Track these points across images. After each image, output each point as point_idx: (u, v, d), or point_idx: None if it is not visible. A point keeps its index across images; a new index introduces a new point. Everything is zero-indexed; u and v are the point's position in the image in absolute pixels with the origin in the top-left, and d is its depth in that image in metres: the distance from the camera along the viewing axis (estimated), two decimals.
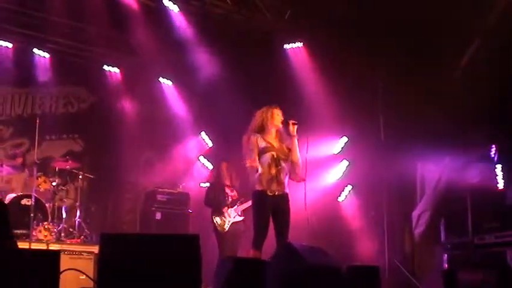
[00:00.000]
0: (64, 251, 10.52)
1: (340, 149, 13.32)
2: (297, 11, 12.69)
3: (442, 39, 10.96)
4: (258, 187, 8.79)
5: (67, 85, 15.10)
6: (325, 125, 11.33)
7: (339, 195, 13.30)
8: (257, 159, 8.77)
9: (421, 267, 11.98)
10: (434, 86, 11.31)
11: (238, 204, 11.72)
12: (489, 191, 10.56)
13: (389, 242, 12.11)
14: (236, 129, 8.92)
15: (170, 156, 15.13)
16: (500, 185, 10.54)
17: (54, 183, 12.67)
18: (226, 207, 11.65)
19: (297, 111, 9.14)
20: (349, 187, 13.24)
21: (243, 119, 9.08)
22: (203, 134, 15.51)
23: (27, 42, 13.70)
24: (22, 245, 10.55)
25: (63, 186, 13.21)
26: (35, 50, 13.87)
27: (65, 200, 13.16)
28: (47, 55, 13.99)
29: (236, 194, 11.89)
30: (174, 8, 12.66)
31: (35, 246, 10.90)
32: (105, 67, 14.83)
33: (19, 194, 12.04)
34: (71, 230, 12.69)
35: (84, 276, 8.72)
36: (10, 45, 13.50)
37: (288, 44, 13.29)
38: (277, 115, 8.92)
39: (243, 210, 11.75)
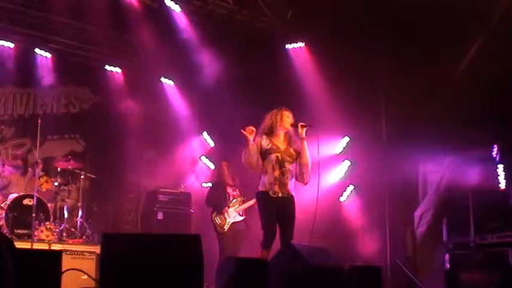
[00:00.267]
0: (66, 251, 10.53)
1: (342, 149, 13.33)
2: (299, 11, 12.68)
3: (443, 39, 10.95)
4: (260, 188, 8.79)
5: (69, 85, 15.08)
6: (327, 125, 11.31)
7: (341, 196, 13.30)
8: (254, 156, 8.78)
9: (423, 267, 11.99)
10: (437, 86, 11.31)
11: (239, 204, 11.73)
12: (491, 191, 10.56)
13: (391, 242, 12.13)
14: (238, 129, 8.88)
15: (172, 156, 15.13)
16: (502, 185, 10.55)
17: (56, 183, 12.67)
18: (226, 207, 11.65)
19: (298, 111, 9.11)
20: (351, 187, 13.25)
21: (244, 118, 9.09)
22: (205, 133, 15.51)
23: (29, 42, 13.68)
24: (24, 245, 10.57)
25: (65, 186, 13.20)
26: (37, 50, 13.85)
27: (67, 200, 13.16)
28: (48, 55, 13.97)
29: (238, 193, 11.89)
30: (176, 8, 12.66)
31: (36, 246, 10.88)
32: (107, 67, 14.81)
33: (21, 194, 12.01)
34: (72, 230, 12.68)
35: (85, 276, 8.74)
36: (12, 45, 13.48)
37: (290, 44, 13.28)
38: (287, 117, 8.88)
39: (244, 209, 11.75)
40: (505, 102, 10.37)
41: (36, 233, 11.48)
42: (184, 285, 5.76)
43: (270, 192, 8.65)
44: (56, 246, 11.21)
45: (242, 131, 8.78)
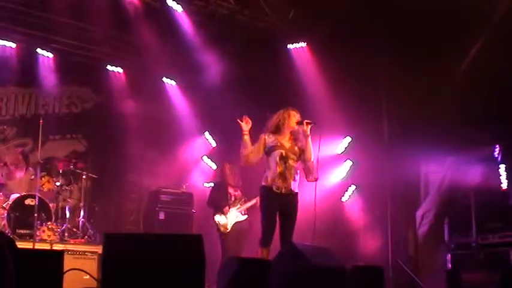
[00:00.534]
0: (68, 251, 10.55)
1: (344, 149, 13.32)
2: (301, 11, 12.68)
3: (445, 39, 10.95)
4: (264, 183, 8.87)
5: (71, 85, 15.10)
6: (329, 125, 11.30)
7: (343, 195, 13.30)
8: (253, 151, 8.86)
9: (425, 267, 11.99)
10: (438, 86, 11.31)
11: (241, 203, 11.73)
12: (493, 191, 10.57)
13: (393, 241, 12.11)
14: (239, 128, 8.93)
15: (174, 156, 15.14)
16: (504, 185, 10.55)
17: (57, 183, 12.69)
18: (228, 208, 11.66)
19: (300, 111, 9.13)
20: (353, 187, 13.25)
21: (244, 118, 9.08)
22: (207, 133, 15.52)
23: (30, 42, 13.68)
24: (26, 245, 10.58)
25: (67, 186, 13.20)
26: (39, 50, 13.86)
27: (69, 200, 13.16)
28: (50, 55, 13.98)
29: (240, 194, 11.90)
30: (177, 8, 12.65)
31: (38, 246, 10.90)
32: (109, 67, 14.81)
33: (23, 194, 12.02)
34: (74, 230, 12.69)
35: (87, 276, 8.76)
36: (14, 45, 13.48)
37: (292, 44, 13.27)
38: (294, 116, 8.99)
39: (247, 209, 11.76)
40: (507, 102, 10.37)
41: (38, 233, 11.49)
42: (186, 285, 5.77)
43: (274, 188, 8.73)
44: (57, 246, 11.23)
45: (238, 120, 8.91)
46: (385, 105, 12.45)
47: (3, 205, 11.74)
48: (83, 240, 12.39)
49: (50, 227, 11.88)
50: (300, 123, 8.91)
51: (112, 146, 14.87)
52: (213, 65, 13.14)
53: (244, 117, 8.94)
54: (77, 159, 13.47)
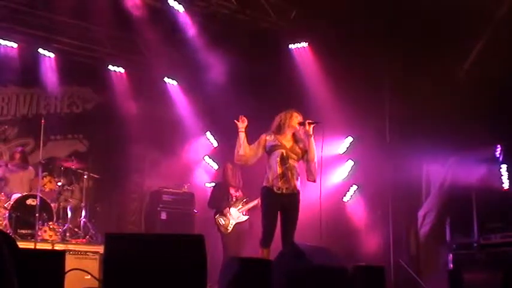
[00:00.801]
0: (69, 251, 10.54)
1: (346, 149, 13.32)
2: (302, 11, 12.68)
3: (447, 39, 10.95)
4: (265, 184, 8.88)
5: (72, 85, 15.10)
6: (331, 124, 11.29)
7: (344, 195, 13.29)
8: (248, 149, 8.93)
9: (427, 267, 11.98)
10: (440, 86, 11.30)
11: (242, 204, 11.73)
12: (494, 191, 10.56)
13: (395, 241, 12.11)
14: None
15: (175, 156, 15.14)
16: (506, 185, 10.53)
17: (59, 183, 12.69)
18: (228, 208, 11.65)
19: (302, 111, 9.13)
20: (355, 187, 13.24)
21: (247, 118, 9.09)
22: (208, 134, 15.52)
23: (32, 42, 13.69)
24: (27, 245, 10.59)
25: (68, 186, 13.21)
26: (40, 50, 13.86)
27: (70, 200, 13.17)
28: (52, 55, 13.99)
29: (241, 194, 11.89)
30: (179, 8, 12.65)
31: (40, 246, 10.91)
32: (110, 67, 14.82)
33: (24, 194, 12.03)
34: (76, 230, 12.70)
35: (89, 276, 8.74)
36: (15, 45, 13.49)
37: (293, 43, 13.28)
38: (296, 117, 9.00)
39: (248, 209, 11.75)
40: (509, 102, 10.36)
41: (39, 233, 11.50)
42: (187, 286, 5.77)
43: (274, 188, 8.76)
44: (59, 246, 11.24)
45: (235, 121, 8.95)
46: (387, 105, 12.45)
47: (5, 205, 11.75)
48: (84, 240, 12.40)
49: (51, 227, 11.89)
50: (302, 123, 8.91)
51: (113, 146, 14.89)
52: (214, 65, 13.12)
53: (240, 116, 8.98)
54: (78, 159, 13.47)
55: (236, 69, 13.04)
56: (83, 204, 13.15)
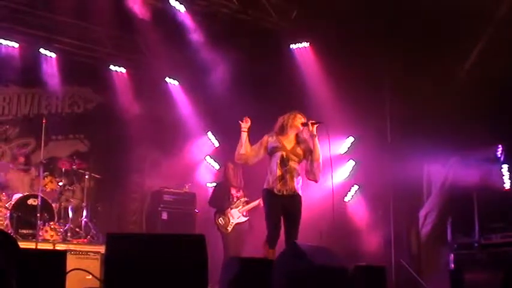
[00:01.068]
0: (70, 251, 10.53)
1: (347, 149, 13.32)
2: (304, 11, 12.68)
3: (448, 39, 10.94)
4: (265, 186, 8.89)
5: (73, 85, 15.11)
6: (332, 124, 11.29)
7: (346, 195, 13.29)
8: (249, 149, 8.96)
9: (428, 267, 11.98)
10: (441, 86, 11.30)
11: (242, 205, 11.73)
12: (496, 191, 10.55)
13: (396, 241, 12.11)
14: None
15: (176, 156, 15.13)
16: (507, 185, 10.53)
17: (60, 183, 12.71)
18: (229, 208, 11.66)
19: (303, 111, 9.13)
20: (356, 187, 13.24)
21: (249, 118, 9.09)
22: (209, 134, 15.52)
23: (33, 42, 13.70)
24: (28, 245, 10.59)
25: (70, 186, 13.23)
26: (42, 50, 13.86)
27: (71, 200, 13.19)
28: (53, 55, 13.99)
29: (242, 194, 11.89)
30: (180, 8, 12.65)
31: (41, 246, 10.92)
32: (112, 67, 14.82)
33: (25, 194, 12.04)
34: (77, 230, 12.71)
35: (90, 276, 8.73)
36: (16, 45, 13.49)
37: (295, 43, 13.27)
38: (299, 118, 8.99)
39: (248, 210, 11.75)
40: (510, 102, 10.36)
41: (40, 233, 11.52)
42: (189, 286, 5.77)
43: (275, 190, 8.74)
44: (60, 246, 11.26)
45: (240, 121, 8.97)
46: (388, 105, 12.44)
47: (6, 205, 11.76)
48: (85, 240, 12.42)
49: (52, 227, 11.92)
50: (305, 124, 8.90)
51: (115, 146, 14.89)
52: (215, 65, 13.14)
53: (245, 117, 8.99)
54: (79, 159, 13.48)
55: (237, 69, 13.05)
56: (84, 204, 13.15)
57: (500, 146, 10.78)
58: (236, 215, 11.66)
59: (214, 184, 13.28)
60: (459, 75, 11.44)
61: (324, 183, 9.31)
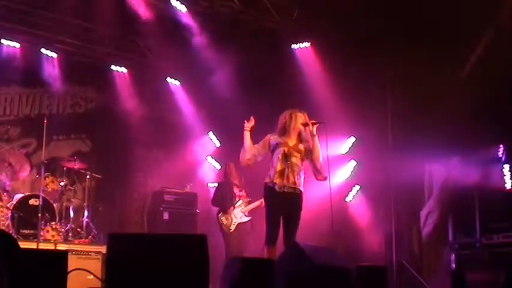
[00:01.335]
0: (72, 251, 10.55)
1: (348, 149, 13.32)
2: (305, 11, 12.67)
3: (450, 38, 10.94)
4: (267, 181, 8.91)
5: (75, 85, 15.09)
6: (333, 124, 11.31)
7: (347, 195, 13.30)
8: (253, 151, 9.01)
9: (429, 267, 11.98)
10: (443, 86, 11.30)
11: (245, 204, 11.74)
12: (497, 191, 10.55)
13: (397, 241, 12.11)
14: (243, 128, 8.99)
15: (178, 156, 15.13)
16: (508, 185, 10.53)
17: (61, 183, 12.70)
18: (232, 208, 11.67)
19: (304, 111, 9.14)
20: (357, 187, 13.24)
21: (250, 118, 9.11)
22: (211, 133, 15.52)
23: (35, 42, 13.68)
24: (30, 245, 10.60)
25: (71, 186, 13.22)
26: (43, 50, 13.85)
27: (73, 200, 13.17)
28: (54, 55, 13.96)
29: (245, 194, 11.92)
30: (181, 8, 12.64)
31: (42, 246, 10.92)
32: (113, 67, 14.80)
33: (27, 194, 12.05)
34: (78, 230, 12.71)
35: (91, 276, 8.75)
36: (18, 45, 13.47)
37: (296, 44, 13.26)
38: (300, 118, 9.01)
39: (250, 210, 11.76)
40: (511, 102, 10.37)
41: (42, 233, 11.52)
42: (190, 286, 5.77)
43: (276, 187, 8.75)
44: (61, 246, 11.25)
45: (246, 120, 9.07)
46: (389, 105, 12.45)
47: (7, 205, 11.76)
48: (87, 240, 12.42)
49: (54, 227, 11.91)
50: (305, 124, 8.91)
51: (116, 146, 14.88)
52: (217, 65, 13.13)
53: (250, 118, 9.03)
54: (81, 159, 13.47)
55: (238, 69, 13.04)
56: (85, 204, 13.15)
57: (501, 146, 10.77)
58: (239, 215, 11.69)
59: (216, 184, 13.28)
60: (460, 75, 11.43)
61: (325, 183, 9.30)
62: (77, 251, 10.89)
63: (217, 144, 15.59)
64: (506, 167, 10.63)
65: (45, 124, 11.59)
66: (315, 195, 9.62)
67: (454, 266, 10.59)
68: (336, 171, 13.12)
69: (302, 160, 8.93)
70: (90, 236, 12.60)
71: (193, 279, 5.78)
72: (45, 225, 11.76)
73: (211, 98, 14.15)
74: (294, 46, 13.28)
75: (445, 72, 11.18)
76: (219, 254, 11.50)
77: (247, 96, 12.63)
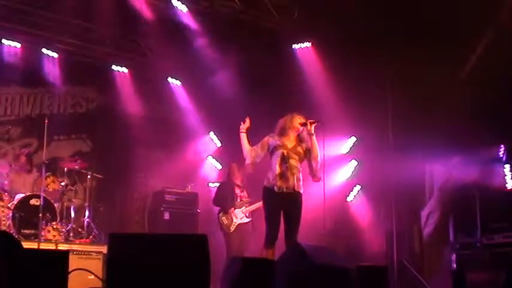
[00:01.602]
0: (73, 251, 10.54)
1: (349, 149, 13.33)
2: (306, 11, 12.67)
3: (451, 38, 10.94)
4: (266, 183, 8.94)
5: (75, 85, 15.09)
6: (334, 124, 11.32)
7: (348, 195, 13.30)
8: (253, 152, 9.06)
9: (430, 267, 11.98)
10: (443, 86, 11.30)
11: (246, 205, 11.74)
12: (498, 191, 10.55)
13: (398, 241, 12.11)
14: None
15: (179, 156, 15.14)
16: (509, 184, 10.53)
17: (62, 183, 12.71)
18: (233, 208, 11.67)
19: (305, 111, 9.16)
20: (358, 187, 13.25)
21: (250, 118, 9.12)
22: (212, 134, 15.52)
23: (35, 42, 13.69)
24: (31, 245, 10.60)
25: (72, 186, 13.21)
26: (44, 50, 13.85)
27: (74, 200, 13.16)
28: (55, 55, 13.97)
29: (246, 195, 11.92)
30: (182, 8, 12.64)
31: (43, 246, 10.91)
32: (114, 67, 14.81)
33: (28, 194, 12.04)
34: (79, 230, 12.71)
35: (92, 276, 8.75)
36: (19, 45, 13.47)
37: (297, 44, 13.26)
38: (298, 119, 9.06)
39: (251, 211, 11.76)
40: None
41: (43, 233, 11.51)
42: (191, 286, 5.77)
43: (275, 188, 8.79)
44: (62, 246, 11.25)
45: (242, 122, 9.12)
46: (389, 105, 12.45)
47: (8, 205, 11.75)
48: (87, 240, 12.42)
49: (54, 227, 11.91)
50: (303, 124, 8.93)
51: (117, 146, 14.88)
52: (217, 65, 13.14)
53: (247, 118, 9.05)
54: (81, 159, 13.48)
55: (239, 69, 13.05)
56: (86, 204, 13.15)
57: (502, 145, 10.77)
58: (239, 215, 11.69)
59: (218, 184, 13.28)
60: (460, 75, 11.43)
61: (327, 183, 9.31)
62: (78, 251, 10.88)
63: (218, 144, 15.60)
64: (507, 167, 10.62)
65: (46, 124, 11.59)
66: (315, 195, 9.61)
67: (454, 266, 10.59)
68: (337, 171, 13.15)
69: (301, 162, 8.96)
70: (91, 236, 12.60)
71: (194, 279, 5.78)
72: (46, 225, 11.76)
73: (212, 98, 14.16)
74: (295, 46, 13.28)
75: (445, 72, 11.17)
76: (220, 254, 11.50)
77: (248, 96, 12.65)
